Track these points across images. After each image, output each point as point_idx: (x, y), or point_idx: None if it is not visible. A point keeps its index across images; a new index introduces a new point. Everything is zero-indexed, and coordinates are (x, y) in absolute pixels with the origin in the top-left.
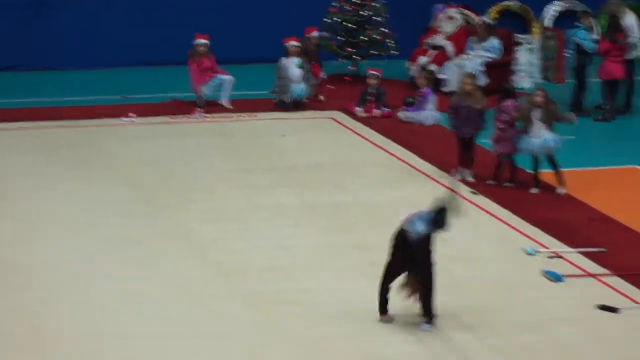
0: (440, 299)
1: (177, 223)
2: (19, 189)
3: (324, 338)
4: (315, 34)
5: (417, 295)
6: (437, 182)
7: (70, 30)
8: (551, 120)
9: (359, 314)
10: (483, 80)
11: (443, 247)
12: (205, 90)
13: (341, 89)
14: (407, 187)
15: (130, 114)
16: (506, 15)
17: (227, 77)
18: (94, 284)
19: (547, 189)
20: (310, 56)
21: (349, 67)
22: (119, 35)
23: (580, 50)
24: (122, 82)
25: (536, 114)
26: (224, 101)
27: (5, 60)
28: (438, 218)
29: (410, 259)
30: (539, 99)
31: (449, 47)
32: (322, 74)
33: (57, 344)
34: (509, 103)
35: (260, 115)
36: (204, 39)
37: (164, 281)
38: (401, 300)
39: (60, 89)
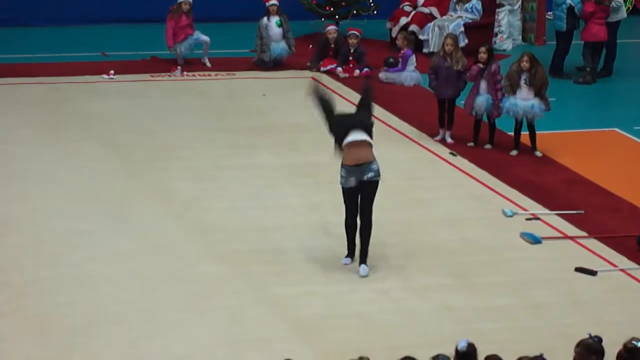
0: (419, 260)
1: (155, 181)
2: None
3: (301, 297)
4: (331, 27)
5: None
6: (416, 142)
7: None
8: (538, 84)
9: (335, 273)
10: (464, 41)
11: (422, 207)
12: (179, 48)
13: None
14: (386, 147)
15: (110, 71)
16: None
17: (204, 38)
18: (70, 242)
19: (527, 151)
20: (325, 50)
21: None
22: None
23: (570, 12)
24: (103, 39)
25: (523, 78)
26: (205, 60)
27: None
28: None
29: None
30: (525, 63)
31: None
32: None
33: (32, 300)
34: (494, 66)
35: (240, 74)
36: None
37: (140, 239)
38: None
39: (38, 46)
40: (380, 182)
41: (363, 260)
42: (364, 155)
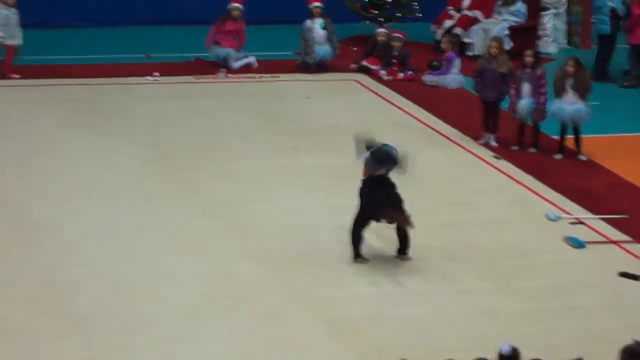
0: (461, 263)
1: (197, 182)
2: (38, 146)
3: (341, 298)
4: (381, 30)
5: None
6: (460, 145)
7: None
8: (583, 88)
9: (376, 274)
10: (508, 44)
11: (466, 211)
12: (219, 52)
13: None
14: (429, 150)
15: (154, 73)
16: None
17: (250, 61)
18: (111, 241)
19: (571, 155)
20: (371, 51)
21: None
22: None
23: (614, 15)
24: (147, 41)
25: (569, 82)
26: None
27: (28, 17)
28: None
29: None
30: (570, 67)
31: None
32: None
33: (71, 299)
34: (540, 70)
35: (283, 76)
36: (238, 3)
37: (181, 239)
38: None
39: (81, 47)
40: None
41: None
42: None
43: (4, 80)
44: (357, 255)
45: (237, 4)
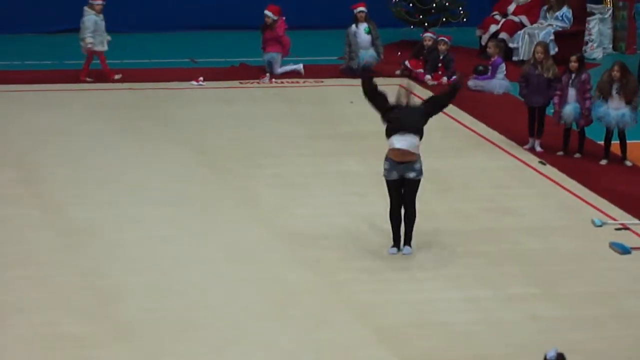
0: (506, 269)
1: (242, 187)
2: (86, 150)
3: (387, 304)
4: (428, 34)
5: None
6: (505, 151)
7: None
8: (629, 94)
9: (422, 281)
10: (554, 50)
11: (511, 217)
12: (268, 57)
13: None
14: (474, 155)
15: (199, 78)
16: None
17: (297, 68)
18: (157, 247)
19: (617, 160)
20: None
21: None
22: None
23: None
24: (192, 45)
25: (614, 87)
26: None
27: (74, 22)
28: None
29: None
30: (616, 72)
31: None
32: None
33: (119, 305)
34: (585, 75)
35: (328, 81)
36: (270, 11)
37: (226, 245)
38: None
39: (127, 52)
40: (422, 179)
41: (407, 242)
42: (407, 157)
43: (71, 84)
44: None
45: (266, 12)
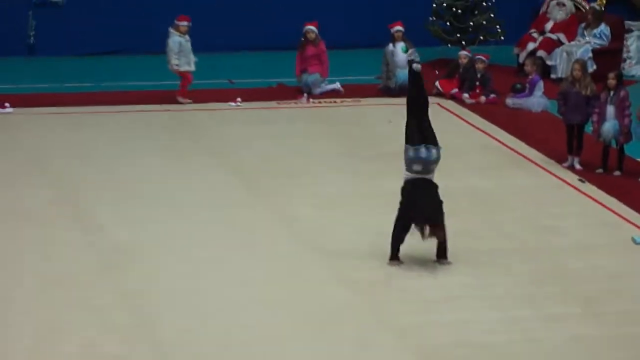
0: (547, 288)
1: (280, 207)
2: (123, 171)
3: (427, 325)
4: (464, 52)
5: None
6: (544, 169)
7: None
8: None
9: (461, 300)
10: (592, 67)
11: (551, 235)
12: (305, 78)
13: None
14: (513, 173)
15: (237, 99)
16: (616, 2)
17: (336, 87)
18: (197, 267)
19: None
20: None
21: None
22: (229, 20)
23: None
24: (229, 66)
25: None
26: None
27: (110, 44)
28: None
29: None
30: None
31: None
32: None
33: (159, 325)
34: (623, 92)
35: (366, 100)
36: (312, 26)
37: (266, 265)
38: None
39: (165, 73)
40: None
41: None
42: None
43: (103, 106)
44: (393, 257)
45: (311, 27)
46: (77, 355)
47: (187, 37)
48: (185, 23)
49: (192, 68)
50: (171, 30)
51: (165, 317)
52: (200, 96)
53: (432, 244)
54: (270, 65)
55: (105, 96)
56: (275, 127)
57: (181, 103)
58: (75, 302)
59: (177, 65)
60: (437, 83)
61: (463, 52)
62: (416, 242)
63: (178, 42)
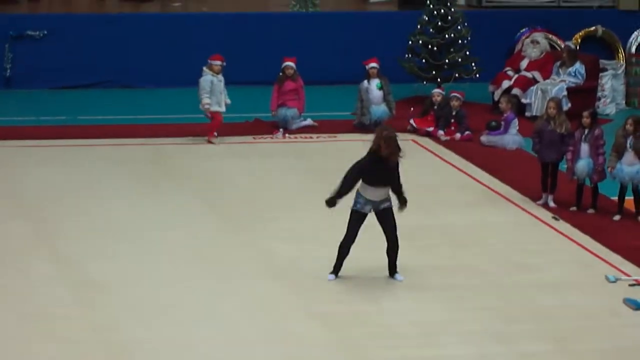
0: (520, 325)
1: (255, 241)
2: (97, 204)
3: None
4: (437, 90)
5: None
6: (518, 206)
7: (150, 49)
8: None
9: (435, 336)
10: (567, 105)
11: (524, 273)
12: (282, 113)
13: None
14: (487, 210)
15: (214, 133)
16: (591, 41)
17: (309, 123)
18: (172, 302)
19: (630, 216)
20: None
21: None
22: (206, 55)
23: None
24: None
25: (628, 142)
26: (309, 120)
27: (86, 78)
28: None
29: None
30: (629, 126)
31: (537, 75)
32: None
33: (128, 358)
34: (598, 131)
35: (341, 136)
36: (291, 61)
37: (242, 300)
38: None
39: (142, 107)
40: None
41: (395, 270)
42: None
43: (78, 139)
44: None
45: (289, 63)
46: None
47: (219, 76)
48: (218, 62)
49: (223, 109)
50: (204, 69)
51: (139, 351)
52: (177, 130)
53: (407, 280)
54: (246, 100)
55: (80, 130)
56: (252, 161)
57: (212, 143)
58: (48, 335)
59: (208, 104)
60: (411, 121)
61: (437, 90)
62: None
63: (210, 81)
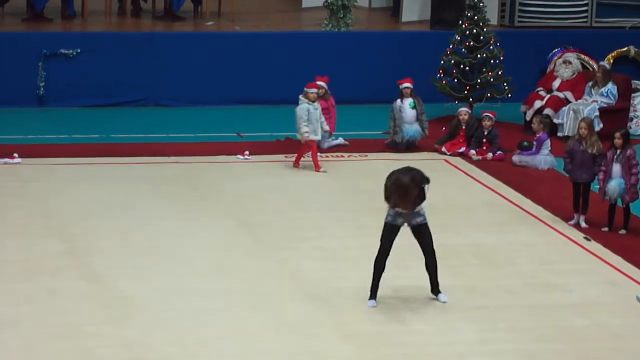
0: (551, 346)
1: (286, 260)
2: (132, 222)
3: None
4: (463, 109)
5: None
6: (550, 226)
7: (183, 68)
8: None
9: (466, 356)
10: (598, 126)
11: (555, 293)
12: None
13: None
14: (519, 230)
15: (245, 152)
16: (623, 61)
17: (340, 142)
18: (204, 319)
19: None
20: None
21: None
22: (238, 74)
23: None
24: (238, 120)
25: None
26: (340, 139)
27: (119, 96)
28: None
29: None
30: None
31: (568, 95)
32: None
33: None
34: (630, 151)
35: (372, 155)
36: (323, 81)
37: (272, 319)
38: None
39: (174, 126)
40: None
41: (437, 289)
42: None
43: (111, 157)
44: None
45: (321, 82)
46: None
47: (316, 104)
48: (314, 90)
49: (318, 137)
50: (300, 97)
51: None
52: (209, 149)
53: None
54: (278, 119)
55: (113, 148)
56: (283, 180)
57: (319, 171)
58: (79, 352)
59: (307, 133)
60: (444, 148)
61: (463, 109)
62: (420, 295)
63: (306, 110)
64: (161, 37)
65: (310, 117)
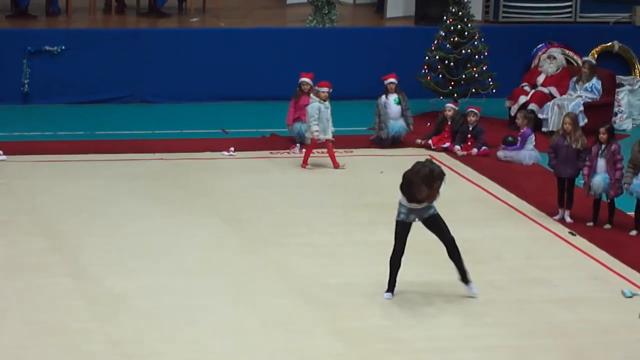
0: (537, 341)
1: (274, 257)
2: (115, 219)
3: None
4: (449, 105)
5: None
6: (535, 221)
7: (167, 64)
8: None
9: (453, 351)
10: (583, 121)
11: (541, 288)
12: (298, 126)
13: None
14: (504, 225)
15: (230, 148)
16: (607, 56)
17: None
18: (191, 316)
19: None
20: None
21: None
22: (222, 70)
23: None
24: (223, 116)
25: None
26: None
27: (104, 93)
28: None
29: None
30: None
31: (553, 90)
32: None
33: None
34: (614, 146)
35: (357, 151)
36: (308, 77)
37: (258, 314)
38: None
39: (159, 122)
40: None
41: (467, 278)
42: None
43: (96, 154)
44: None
45: (306, 79)
46: None
47: (326, 103)
48: (325, 89)
49: (328, 136)
50: (311, 96)
51: None
52: (194, 145)
53: (423, 295)
54: (264, 115)
55: (98, 144)
56: (268, 176)
57: (338, 168)
58: (65, 349)
59: (317, 131)
60: (429, 142)
61: (449, 105)
62: (409, 291)
63: (317, 108)
64: (146, 34)
65: (320, 116)
